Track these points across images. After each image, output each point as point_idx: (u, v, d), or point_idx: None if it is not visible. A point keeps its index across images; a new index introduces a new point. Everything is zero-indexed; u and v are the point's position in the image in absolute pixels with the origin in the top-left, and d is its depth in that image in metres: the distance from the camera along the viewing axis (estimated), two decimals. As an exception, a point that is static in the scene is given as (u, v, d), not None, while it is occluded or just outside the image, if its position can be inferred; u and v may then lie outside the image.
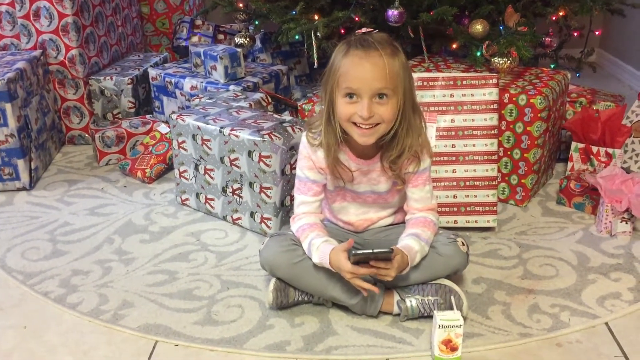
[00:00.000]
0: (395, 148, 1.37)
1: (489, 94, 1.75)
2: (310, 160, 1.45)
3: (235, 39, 2.57)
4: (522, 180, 1.93)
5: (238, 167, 1.79)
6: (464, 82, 1.75)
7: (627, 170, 1.96)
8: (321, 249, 1.38)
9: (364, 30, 1.33)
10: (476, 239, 1.79)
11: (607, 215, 1.78)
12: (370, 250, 1.30)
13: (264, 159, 1.72)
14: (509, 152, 1.92)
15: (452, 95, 1.76)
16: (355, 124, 1.33)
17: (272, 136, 1.71)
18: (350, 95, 1.31)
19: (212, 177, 1.88)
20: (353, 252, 1.31)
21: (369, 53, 1.28)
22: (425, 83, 1.76)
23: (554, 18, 2.29)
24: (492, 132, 1.76)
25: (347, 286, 1.40)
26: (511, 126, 1.89)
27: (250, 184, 1.79)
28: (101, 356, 1.37)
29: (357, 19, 2.15)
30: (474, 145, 1.76)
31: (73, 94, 2.48)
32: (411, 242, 1.40)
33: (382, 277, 1.34)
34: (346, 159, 1.42)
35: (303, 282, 1.45)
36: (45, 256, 1.75)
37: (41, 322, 1.48)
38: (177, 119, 1.89)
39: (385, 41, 1.30)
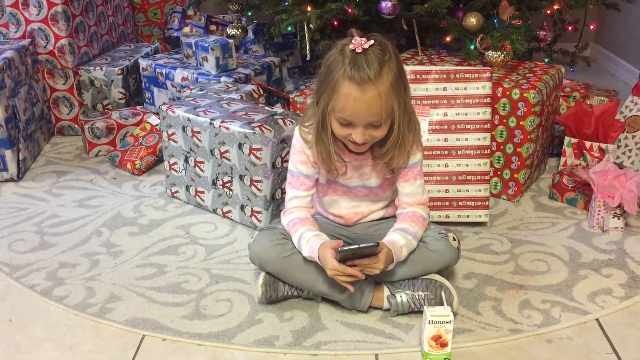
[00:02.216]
0: (387, 155, 1.37)
1: (482, 87, 1.73)
2: (303, 154, 1.43)
3: (227, 30, 2.55)
4: (515, 175, 1.92)
5: (228, 159, 1.77)
6: (457, 76, 1.73)
7: (620, 166, 1.95)
8: (311, 243, 1.37)
9: (360, 42, 1.25)
10: (468, 233, 1.78)
11: (600, 210, 1.77)
12: (357, 246, 1.29)
13: (255, 152, 1.70)
14: (501, 147, 1.91)
15: (445, 89, 1.74)
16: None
17: (263, 129, 1.70)
18: (344, 122, 1.30)
19: (202, 170, 1.86)
20: (339, 249, 1.30)
21: (365, 91, 1.24)
22: (418, 76, 1.74)
23: (548, 12, 2.28)
24: (485, 126, 1.74)
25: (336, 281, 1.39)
26: (504, 120, 1.88)
27: (241, 177, 1.77)
28: (87, 350, 1.35)
29: (350, 10, 2.13)
30: (466, 139, 1.74)
31: (62, 84, 2.45)
32: (396, 237, 1.39)
33: (370, 272, 1.33)
34: (339, 152, 1.41)
35: (292, 276, 1.44)
36: (32, 248, 1.73)
37: (27, 315, 1.46)
38: (167, 110, 1.87)
39: (379, 62, 1.25)
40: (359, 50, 1.25)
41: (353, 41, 1.26)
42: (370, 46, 1.25)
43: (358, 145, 1.34)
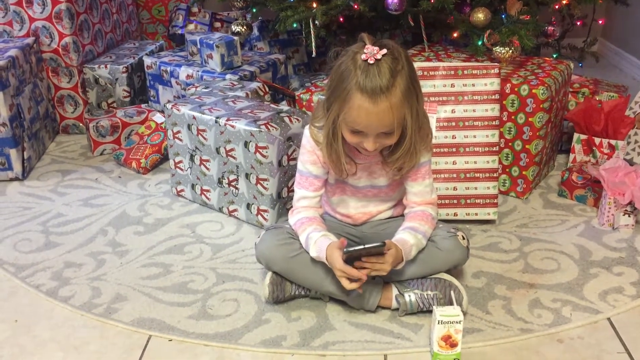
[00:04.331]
0: (398, 161, 1.36)
1: (491, 84, 1.71)
2: (314, 154, 1.41)
3: (232, 27, 2.53)
4: (524, 172, 1.90)
5: (234, 158, 1.76)
6: (465, 72, 1.71)
7: (630, 162, 1.93)
8: (318, 243, 1.36)
9: (373, 53, 1.22)
10: (476, 231, 1.76)
11: (610, 207, 1.75)
12: (362, 246, 1.28)
13: (261, 150, 1.69)
14: (510, 144, 1.89)
15: (452, 85, 1.72)
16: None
17: (269, 126, 1.68)
18: (355, 131, 1.29)
19: (207, 168, 1.84)
20: (345, 249, 1.28)
21: (377, 103, 1.22)
22: (425, 73, 1.72)
23: (556, 7, 2.25)
24: (493, 123, 1.72)
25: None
26: (513, 117, 1.86)
27: (247, 175, 1.75)
28: (93, 351, 1.34)
29: (356, 6, 2.11)
30: (474, 136, 1.73)
31: (67, 82, 2.44)
32: (406, 236, 1.37)
33: (378, 272, 1.32)
34: (349, 154, 1.40)
35: (299, 276, 1.42)
36: (37, 248, 1.72)
37: (32, 315, 1.45)
38: (172, 108, 1.85)
39: (391, 72, 1.22)
40: (372, 61, 1.22)
41: (365, 51, 1.23)
42: (383, 55, 1.23)
43: (369, 151, 1.33)
